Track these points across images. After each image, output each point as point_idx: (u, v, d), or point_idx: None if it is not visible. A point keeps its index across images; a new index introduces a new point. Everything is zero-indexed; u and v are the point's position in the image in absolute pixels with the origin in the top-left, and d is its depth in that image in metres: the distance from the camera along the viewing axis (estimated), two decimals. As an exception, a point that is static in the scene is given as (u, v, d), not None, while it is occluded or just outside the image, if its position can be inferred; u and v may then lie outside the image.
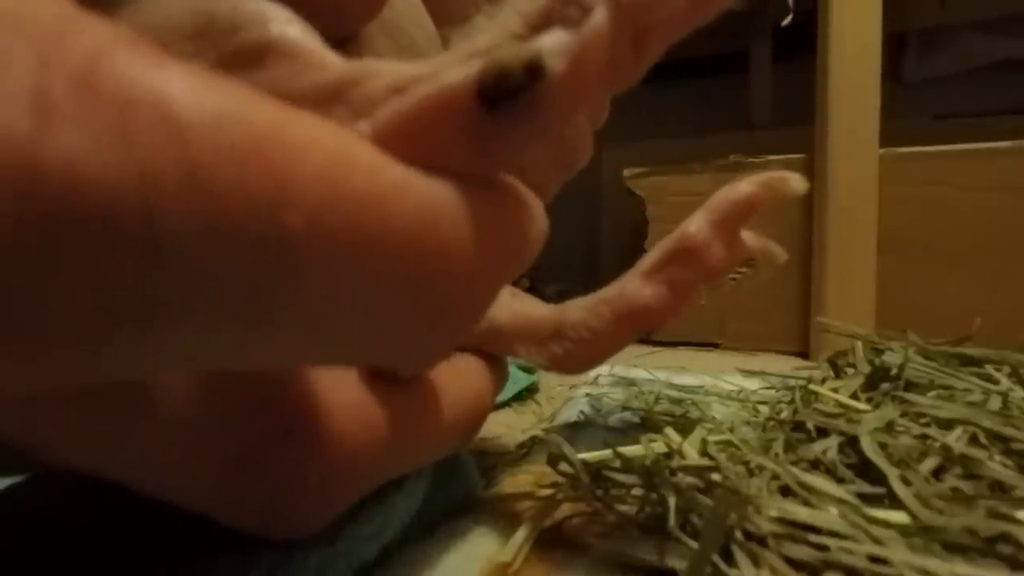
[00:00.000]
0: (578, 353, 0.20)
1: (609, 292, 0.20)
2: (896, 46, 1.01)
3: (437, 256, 0.08)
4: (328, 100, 0.08)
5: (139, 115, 0.06)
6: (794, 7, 0.73)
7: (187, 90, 0.06)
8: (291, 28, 0.09)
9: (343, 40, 0.13)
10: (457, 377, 0.15)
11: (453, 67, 0.08)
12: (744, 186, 0.20)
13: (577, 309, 0.21)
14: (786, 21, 0.63)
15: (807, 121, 0.65)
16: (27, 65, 0.06)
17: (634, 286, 0.20)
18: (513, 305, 0.21)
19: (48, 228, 0.06)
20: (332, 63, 0.09)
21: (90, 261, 0.06)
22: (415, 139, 0.08)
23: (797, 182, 0.19)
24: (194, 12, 0.09)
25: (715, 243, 0.20)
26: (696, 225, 0.20)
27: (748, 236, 0.21)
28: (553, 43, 0.07)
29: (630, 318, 0.20)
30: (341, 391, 0.11)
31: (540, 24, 0.08)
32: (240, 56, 0.09)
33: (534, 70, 0.07)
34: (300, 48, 0.09)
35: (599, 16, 0.07)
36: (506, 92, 0.07)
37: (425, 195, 0.07)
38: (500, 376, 0.19)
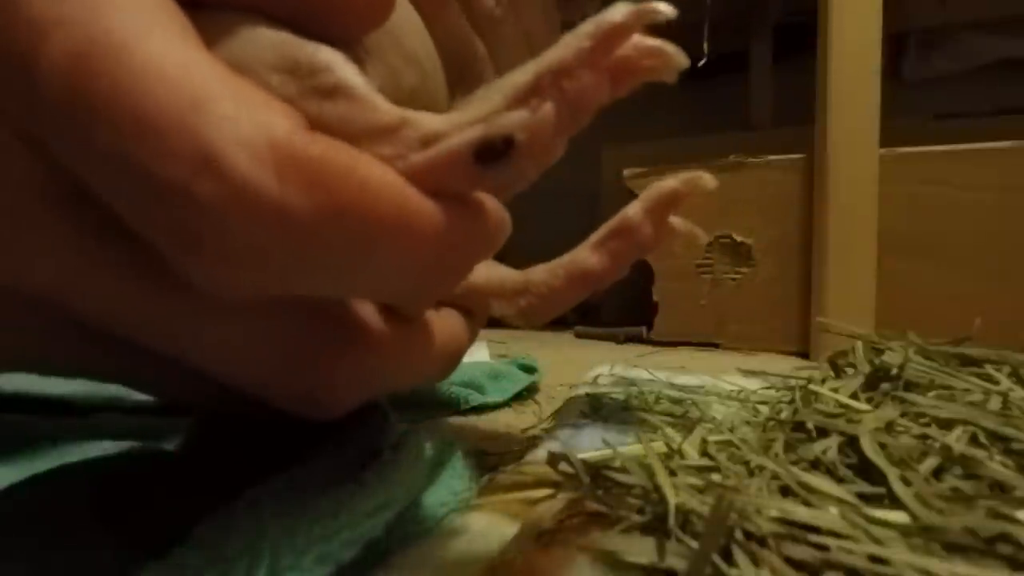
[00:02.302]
0: (540, 306, 0.26)
1: (564, 259, 0.27)
2: (896, 46, 1.01)
3: (431, 246, 0.12)
4: (379, 138, 0.12)
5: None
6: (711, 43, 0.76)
7: (342, 164, 0.11)
8: (355, 75, 0.13)
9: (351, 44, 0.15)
10: (442, 321, 0.19)
11: (460, 131, 0.12)
12: (670, 182, 0.26)
13: (539, 272, 0.26)
14: (701, 63, 0.62)
15: (807, 121, 0.65)
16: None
17: (583, 255, 0.26)
18: (487, 270, 0.26)
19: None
20: (382, 107, 0.13)
21: None
22: (433, 177, 0.12)
23: (708, 180, 0.25)
24: (279, 54, 0.13)
25: (646, 224, 0.26)
26: (633, 210, 0.26)
27: (675, 220, 0.27)
28: (519, 123, 0.12)
29: (580, 279, 0.26)
30: (368, 314, 0.15)
31: (514, 104, 0.12)
32: (317, 91, 0.13)
33: (508, 141, 0.12)
34: (361, 92, 0.13)
35: (548, 107, 0.12)
36: (491, 153, 0.12)
37: (435, 217, 0.12)
38: (475, 327, 0.23)
